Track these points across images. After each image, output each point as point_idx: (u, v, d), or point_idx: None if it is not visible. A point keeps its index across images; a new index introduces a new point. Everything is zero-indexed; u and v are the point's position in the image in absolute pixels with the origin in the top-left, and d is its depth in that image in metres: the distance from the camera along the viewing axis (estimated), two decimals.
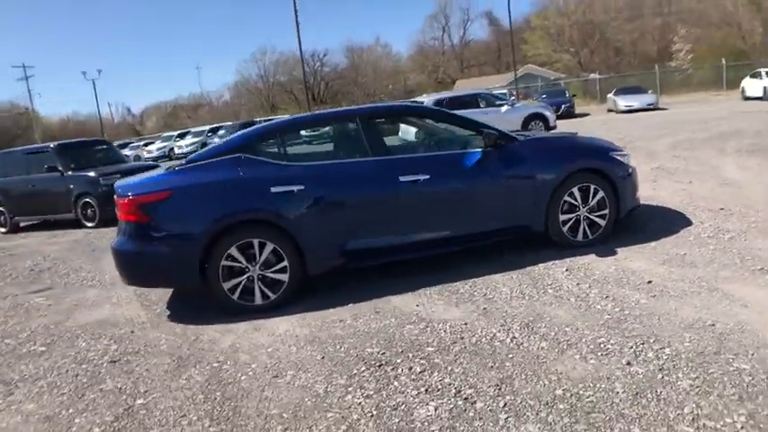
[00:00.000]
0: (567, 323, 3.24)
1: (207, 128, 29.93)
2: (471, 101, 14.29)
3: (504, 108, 14.31)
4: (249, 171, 3.95)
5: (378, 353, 3.11)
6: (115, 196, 4.12)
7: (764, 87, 21.11)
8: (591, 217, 4.57)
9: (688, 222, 5.02)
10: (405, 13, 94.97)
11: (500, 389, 2.59)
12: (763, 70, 22.34)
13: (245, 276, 3.88)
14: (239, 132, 4.48)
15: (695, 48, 40.75)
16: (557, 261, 4.32)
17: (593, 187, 4.52)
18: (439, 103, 13.52)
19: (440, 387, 2.67)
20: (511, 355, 2.92)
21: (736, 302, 3.28)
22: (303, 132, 4.75)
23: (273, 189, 3.88)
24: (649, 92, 24.41)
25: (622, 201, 4.63)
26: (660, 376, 2.56)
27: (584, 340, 3.01)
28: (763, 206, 5.29)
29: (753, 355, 2.63)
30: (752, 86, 22.45)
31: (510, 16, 37.16)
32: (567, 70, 45.25)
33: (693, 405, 2.29)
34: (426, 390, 2.66)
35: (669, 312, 3.24)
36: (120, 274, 4.10)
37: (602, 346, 2.93)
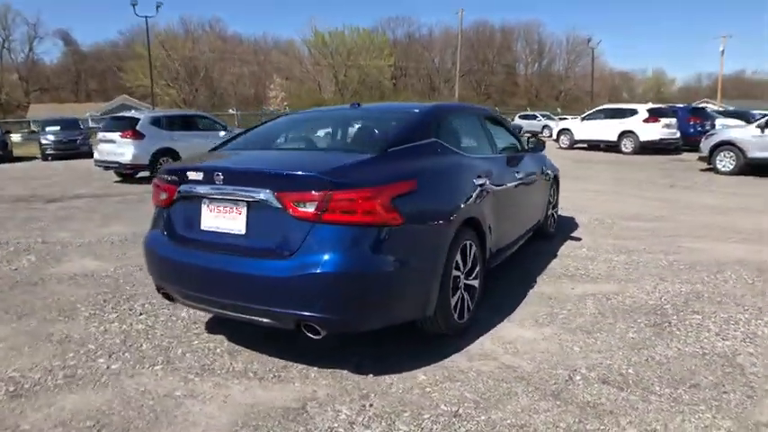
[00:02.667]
0: (672, 274, 4.49)
1: None
2: (191, 122, 13.26)
3: (223, 133, 13.94)
4: (452, 160, 3.38)
5: (653, 321, 3.52)
6: (301, 189, 2.55)
7: None
8: (553, 212, 5.94)
9: (574, 219, 7.02)
10: None
11: None
12: None
13: (459, 288, 3.27)
14: (410, 112, 3.55)
15: (288, 96, 48.89)
16: (562, 248, 5.45)
17: (555, 188, 5.93)
18: (157, 121, 12.10)
19: (743, 317, 3.49)
20: (718, 290, 3.97)
21: (706, 250, 5.32)
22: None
23: (476, 181, 3.47)
24: None
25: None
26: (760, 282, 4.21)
27: (705, 273, 4.36)
28: (592, 207, 7.87)
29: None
30: None
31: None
32: (173, 105, 45.44)
33: None
34: (748, 316, 3.42)
35: (701, 259, 4.96)
36: (342, 315, 2.58)
37: (716, 276, 4.35)
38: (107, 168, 12.02)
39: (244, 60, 50.14)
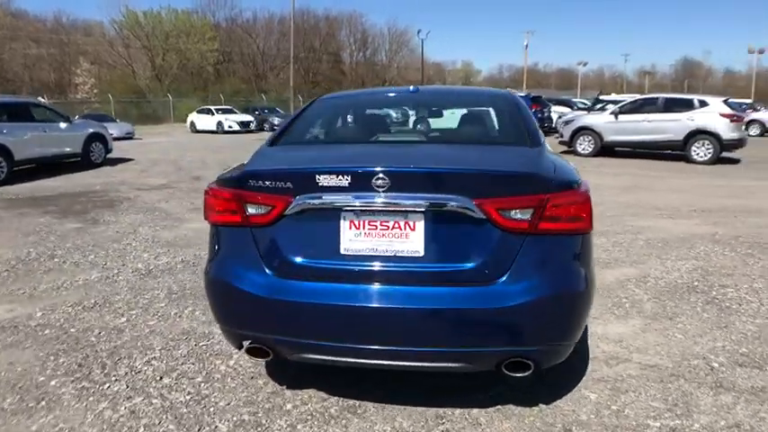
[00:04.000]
0: (661, 252, 4.85)
1: None
2: (23, 111, 10.56)
3: (64, 125, 11.47)
4: None
5: (704, 299, 3.74)
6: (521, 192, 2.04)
7: (218, 122, 26.14)
8: None
9: None
10: None
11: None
12: (213, 107, 27.51)
13: None
14: (507, 97, 3.04)
15: (98, 83, 42.92)
16: None
17: None
18: None
19: (761, 286, 3.87)
20: (712, 264, 4.34)
21: (657, 228, 5.86)
22: None
23: None
24: (117, 120, 24.57)
25: None
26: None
27: (684, 250, 4.79)
28: None
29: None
30: (203, 121, 27.15)
31: None
32: None
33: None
34: None
35: (664, 236, 5.44)
36: (560, 344, 2.14)
37: (695, 251, 4.80)
38: None
39: (39, 41, 42.13)
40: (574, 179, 2.16)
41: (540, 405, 2.42)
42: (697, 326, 3.26)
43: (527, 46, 53.84)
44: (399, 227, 2.06)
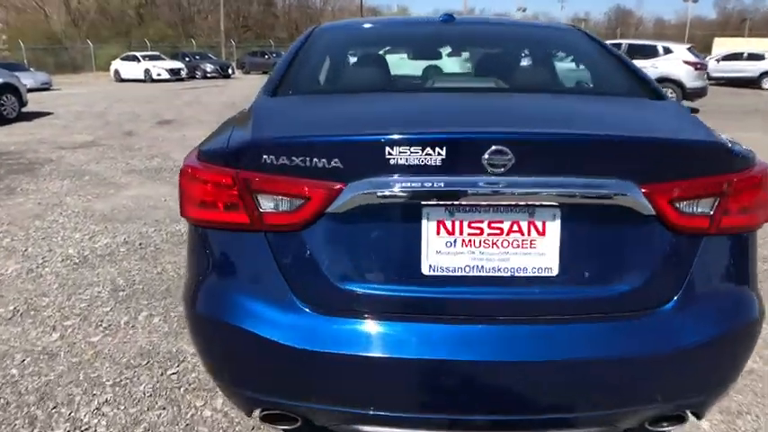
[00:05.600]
0: None
1: None
2: None
3: None
4: None
5: None
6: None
7: (145, 69, 23.86)
8: None
9: None
10: None
11: None
12: (138, 54, 24.97)
13: None
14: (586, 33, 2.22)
15: (6, 28, 38.53)
16: None
17: None
18: None
19: None
20: None
21: None
22: None
23: None
24: (32, 69, 21.82)
25: None
26: None
27: None
28: None
29: None
30: (129, 69, 24.73)
31: None
32: None
33: None
34: None
35: None
36: (731, 385, 1.47)
37: None
38: None
39: None
40: (750, 151, 1.44)
41: None
42: None
43: None
44: (521, 230, 1.28)
